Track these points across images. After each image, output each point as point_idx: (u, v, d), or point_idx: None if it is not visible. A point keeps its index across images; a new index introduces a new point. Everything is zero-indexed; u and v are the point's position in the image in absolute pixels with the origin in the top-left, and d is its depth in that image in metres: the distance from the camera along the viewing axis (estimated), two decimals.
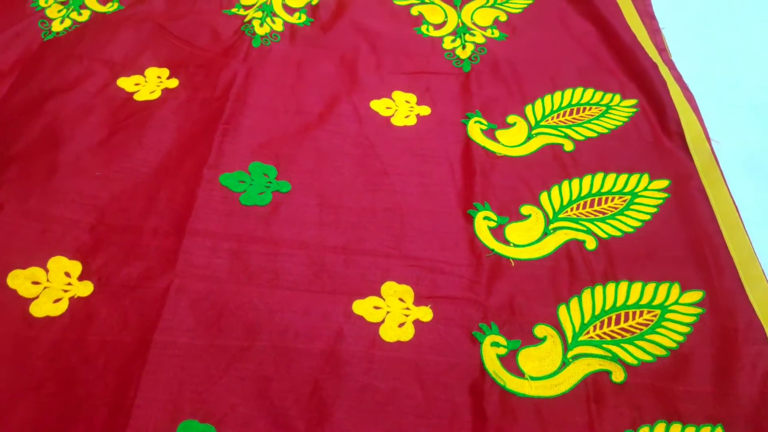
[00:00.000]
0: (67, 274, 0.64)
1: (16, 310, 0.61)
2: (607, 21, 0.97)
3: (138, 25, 0.91)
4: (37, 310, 0.61)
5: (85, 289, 0.63)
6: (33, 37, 0.89)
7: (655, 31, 0.99)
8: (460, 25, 0.97)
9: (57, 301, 0.62)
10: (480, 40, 0.94)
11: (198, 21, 0.93)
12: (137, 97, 0.82)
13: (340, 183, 0.75)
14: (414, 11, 0.99)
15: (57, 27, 0.91)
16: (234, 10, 0.96)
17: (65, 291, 0.62)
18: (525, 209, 0.73)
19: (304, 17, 0.97)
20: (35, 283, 0.63)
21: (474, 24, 0.98)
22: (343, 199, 0.73)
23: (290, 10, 0.97)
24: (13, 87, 0.82)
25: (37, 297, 0.62)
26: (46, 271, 0.64)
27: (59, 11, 0.94)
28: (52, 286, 0.63)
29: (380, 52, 0.92)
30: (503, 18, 0.99)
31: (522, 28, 0.98)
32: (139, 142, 0.76)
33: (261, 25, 0.93)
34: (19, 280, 0.62)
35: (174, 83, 0.84)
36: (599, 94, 0.87)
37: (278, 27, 0.94)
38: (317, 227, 0.70)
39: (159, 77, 0.85)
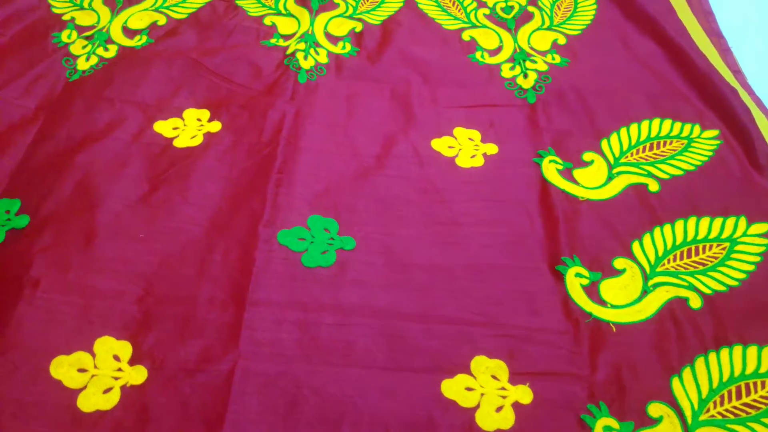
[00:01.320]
0: (117, 358, 0.56)
1: (63, 404, 0.53)
2: (674, 41, 0.90)
3: (170, 61, 0.84)
4: (86, 403, 0.53)
5: (138, 375, 0.55)
6: (57, 78, 0.81)
7: (725, 51, 0.92)
8: (518, 50, 0.90)
9: (107, 391, 0.54)
10: (542, 67, 0.87)
11: (235, 55, 0.85)
12: (177, 144, 0.74)
13: (408, 236, 0.68)
14: (466, 36, 0.92)
15: (83, 65, 0.84)
16: (273, 41, 0.89)
17: (116, 378, 0.55)
18: (618, 263, 0.66)
19: (348, 46, 0.89)
20: (81, 370, 0.55)
21: (532, 49, 0.90)
22: (413, 255, 0.66)
23: (333, 39, 0.90)
24: (39, 135, 0.74)
25: (84, 387, 0.54)
26: (93, 355, 0.56)
27: (84, 47, 0.86)
28: (101, 374, 0.55)
29: (434, 83, 0.84)
30: (562, 41, 0.92)
31: (583, 51, 0.91)
32: (184, 196, 0.69)
33: (305, 57, 0.86)
34: (64, 369, 0.55)
35: (216, 126, 0.76)
36: (677, 125, 0.80)
37: (323, 59, 0.87)
38: (388, 290, 0.63)
39: (199, 119, 0.77)
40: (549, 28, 0.94)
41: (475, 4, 0.97)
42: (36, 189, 0.68)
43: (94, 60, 0.84)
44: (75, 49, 0.85)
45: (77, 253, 0.63)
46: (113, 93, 0.79)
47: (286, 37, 0.90)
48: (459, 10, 0.96)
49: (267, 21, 0.92)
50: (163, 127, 0.76)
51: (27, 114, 0.77)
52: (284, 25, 0.91)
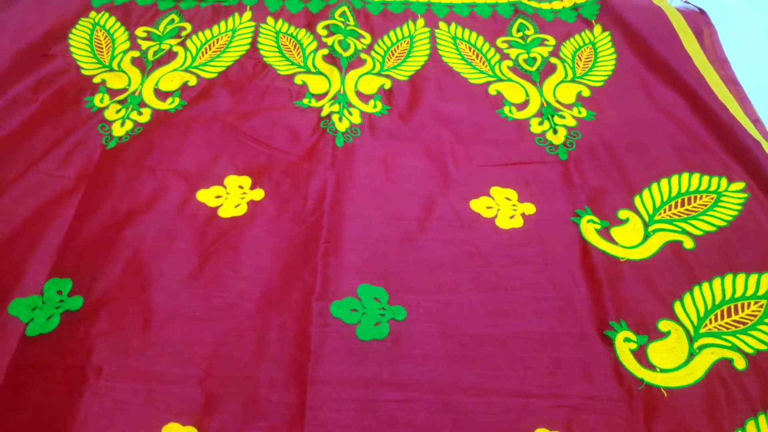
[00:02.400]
0: None
1: None
2: (694, 91, 0.93)
3: (207, 126, 0.85)
4: None
5: None
6: (94, 145, 0.82)
7: (742, 98, 0.95)
8: (545, 104, 0.92)
9: None
10: (571, 122, 0.89)
11: (271, 118, 0.86)
12: (222, 213, 0.75)
13: (458, 303, 0.69)
14: (492, 90, 0.94)
15: (118, 131, 0.84)
16: (305, 101, 0.90)
17: None
18: (663, 325, 0.68)
19: (379, 105, 0.91)
20: None
21: (558, 102, 0.93)
22: (464, 324, 0.67)
23: (364, 98, 0.92)
24: (83, 208, 0.74)
25: None
26: None
27: (117, 111, 0.87)
28: None
29: (466, 141, 0.86)
30: (586, 93, 0.94)
31: (608, 103, 0.93)
32: (235, 270, 0.69)
33: (340, 119, 0.87)
34: None
35: (259, 194, 0.77)
36: (705, 179, 0.82)
37: (356, 119, 0.88)
38: (445, 362, 0.64)
39: (241, 187, 0.78)
40: (573, 80, 0.96)
41: (498, 57, 1.00)
42: (86, 267, 0.69)
43: (129, 125, 0.85)
44: (109, 114, 0.86)
45: (136, 336, 0.63)
46: (153, 161, 0.80)
47: (318, 97, 0.91)
48: (483, 63, 0.99)
49: (298, 80, 0.93)
50: (206, 196, 0.77)
51: (67, 185, 0.77)
52: (315, 84, 0.93)
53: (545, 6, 1.10)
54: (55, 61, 0.93)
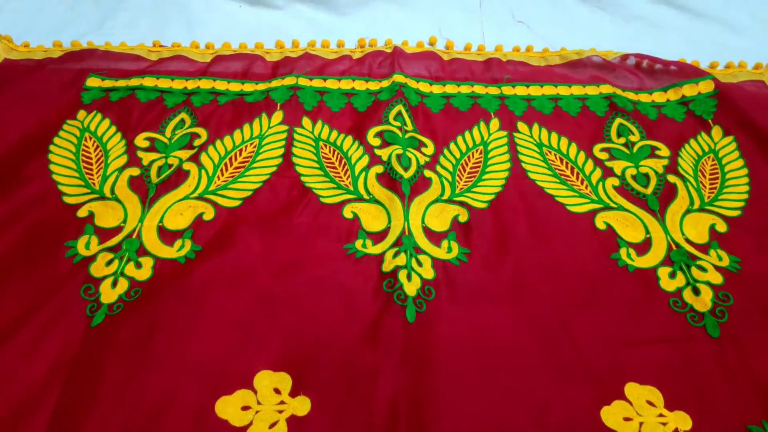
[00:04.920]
0: None
1: None
2: None
3: (230, 290, 0.62)
4: None
5: None
6: (75, 321, 0.59)
7: None
8: (673, 246, 0.70)
9: None
10: (715, 278, 0.66)
11: (316, 275, 0.64)
12: None
13: None
14: (600, 223, 0.72)
15: (108, 295, 0.61)
16: (359, 244, 0.67)
17: None
18: None
19: (455, 247, 0.68)
20: None
21: (689, 242, 0.70)
22: None
23: (435, 237, 0.69)
24: (56, 422, 0.52)
25: None
26: None
27: (108, 263, 0.64)
28: None
29: (578, 304, 0.63)
30: (721, 227, 0.72)
31: (751, 242, 0.71)
32: None
33: (409, 278, 0.64)
34: None
35: (304, 406, 0.54)
36: None
37: (428, 272, 0.65)
38: None
39: (278, 392, 0.55)
40: (702, 209, 0.74)
41: (599, 172, 0.78)
42: None
43: (123, 286, 0.62)
44: (97, 269, 0.64)
45: None
46: (156, 349, 0.57)
47: (376, 238, 0.69)
48: (582, 182, 0.77)
49: (347, 212, 0.71)
50: (229, 408, 0.54)
51: (34, 385, 0.55)
52: (371, 218, 0.71)
53: (644, 98, 0.89)
54: (29, 184, 0.72)
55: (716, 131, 0.83)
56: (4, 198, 0.69)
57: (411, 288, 0.63)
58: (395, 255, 0.66)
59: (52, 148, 0.76)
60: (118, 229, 0.68)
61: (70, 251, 0.65)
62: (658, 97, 0.89)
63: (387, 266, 0.65)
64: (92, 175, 0.74)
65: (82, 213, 0.69)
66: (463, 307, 0.63)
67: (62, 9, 1.06)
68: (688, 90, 0.89)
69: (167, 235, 0.68)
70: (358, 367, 0.57)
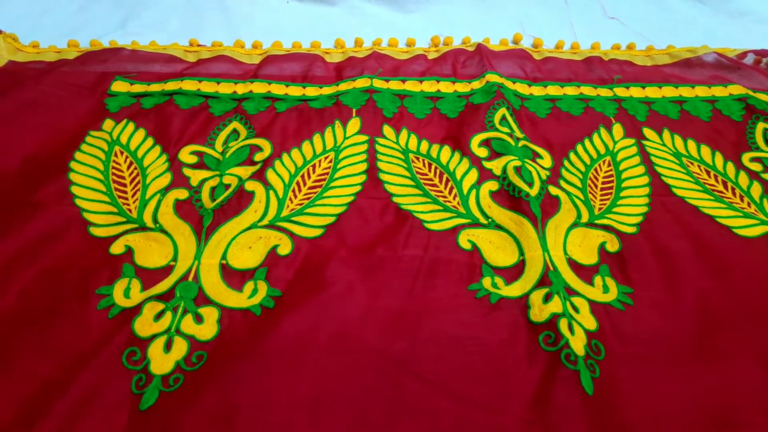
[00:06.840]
0: None
1: None
2: None
3: (331, 353, 0.44)
4: None
5: None
6: (115, 401, 0.41)
7: None
8: None
9: None
10: None
11: (443, 330, 0.46)
12: None
13: None
14: None
15: (161, 364, 0.43)
16: (487, 283, 0.50)
17: None
18: None
19: (612, 285, 0.51)
20: None
21: None
22: None
23: (583, 272, 0.52)
24: None
25: None
26: None
27: (158, 318, 0.46)
28: None
29: None
30: None
31: None
32: None
33: (571, 330, 0.47)
34: None
35: None
36: None
37: (588, 322, 0.48)
38: None
39: None
40: None
41: (759, 188, 0.63)
42: None
43: (181, 349, 0.44)
44: (142, 327, 0.45)
45: None
46: None
47: (507, 274, 0.51)
48: (741, 198, 0.61)
49: (463, 241, 0.54)
50: None
51: None
52: (493, 249, 0.54)
53: None
54: (44, 212, 0.55)
55: None
56: (11, 231, 0.52)
57: (577, 344, 0.47)
58: (546, 299, 0.50)
59: (73, 165, 0.59)
60: (166, 270, 0.51)
61: (103, 301, 0.48)
62: None
63: (537, 314, 0.48)
64: (127, 199, 0.57)
65: (116, 249, 0.52)
66: (644, 368, 0.46)
67: (74, 9, 0.90)
68: None
69: (234, 276, 0.51)
70: None
